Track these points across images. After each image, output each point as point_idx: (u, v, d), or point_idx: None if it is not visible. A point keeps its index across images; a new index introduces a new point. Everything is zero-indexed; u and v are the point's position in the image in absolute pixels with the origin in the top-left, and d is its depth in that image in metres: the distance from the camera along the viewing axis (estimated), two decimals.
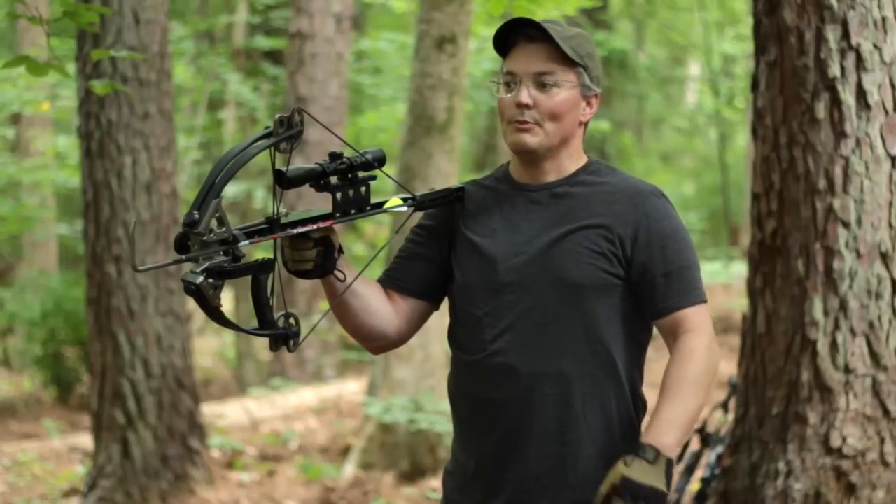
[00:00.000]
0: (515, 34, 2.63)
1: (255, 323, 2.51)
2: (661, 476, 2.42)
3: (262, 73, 13.49)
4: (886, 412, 4.20)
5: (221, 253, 2.33)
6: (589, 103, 2.66)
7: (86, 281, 6.85)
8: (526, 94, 2.59)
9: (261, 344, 12.53)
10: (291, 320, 2.50)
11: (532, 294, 2.59)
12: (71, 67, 6.78)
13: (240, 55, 14.07)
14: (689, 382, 2.52)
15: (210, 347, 14.75)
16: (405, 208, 2.65)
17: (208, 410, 8.31)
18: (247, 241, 2.39)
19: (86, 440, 8.10)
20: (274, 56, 13.70)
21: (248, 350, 12.32)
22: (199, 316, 13.50)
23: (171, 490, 6.70)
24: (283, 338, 2.49)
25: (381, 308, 2.68)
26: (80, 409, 10.79)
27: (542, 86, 2.60)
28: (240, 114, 13.93)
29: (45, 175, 12.86)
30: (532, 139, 2.61)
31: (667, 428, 2.48)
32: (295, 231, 2.47)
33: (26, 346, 12.12)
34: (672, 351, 2.59)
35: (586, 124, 2.70)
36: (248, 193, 12.77)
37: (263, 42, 13.43)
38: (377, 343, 2.73)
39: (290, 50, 11.12)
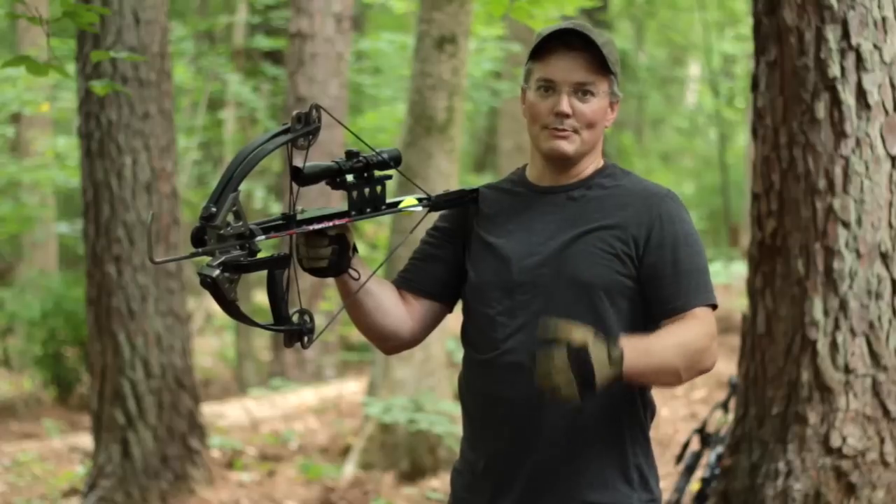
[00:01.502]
0: (553, 40, 2.63)
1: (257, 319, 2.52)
2: (602, 373, 2.35)
3: (262, 73, 13.49)
4: (886, 412, 4.20)
5: (238, 247, 2.33)
6: (612, 108, 2.68)
7: (86, 281, 6.85)
8: (566, 104, 2.60)
9: (261, 344, 12.54)
10: (306, 316, 2.50)
11: (545, 294, 2.59)
12: (71, 67, 6.78)
13: (240, 55, 14.07)
14: (680, 339, 2.50)
15: (210, 347, 14.74)
16: (420, 208, 2.65)
17: (208, 410, 8.30)
18: (263, 236, 2.38)
19: (86, 440, 8.10)
20: (274, 56, 13.70)
21: (248, 350, 12.32)
22: (199, 316, 13.52)
23: (171, 490, 6.70)
24: (298, 334, 2.49)
25: (394, 308, 2.68)
26: (80, 409, 10.79)
27: (581, 94, 2.61)
28: (240, 114, 13.93)
29: (45, 175, 12.85)
30: (569, 146, 2.63)
31: (643, 351, 2.44)
32: (311, 228, 2.47)
33: (26, 346, 12.12)
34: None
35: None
36: (248, 193, 12.78)
37: (263, 42, 13.43)
38: (390, 343, 2.73)
39: (290, 50, 11.12)
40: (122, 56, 5.70)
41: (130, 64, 6.51)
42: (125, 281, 6.65)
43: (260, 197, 12.93)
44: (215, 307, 2.42)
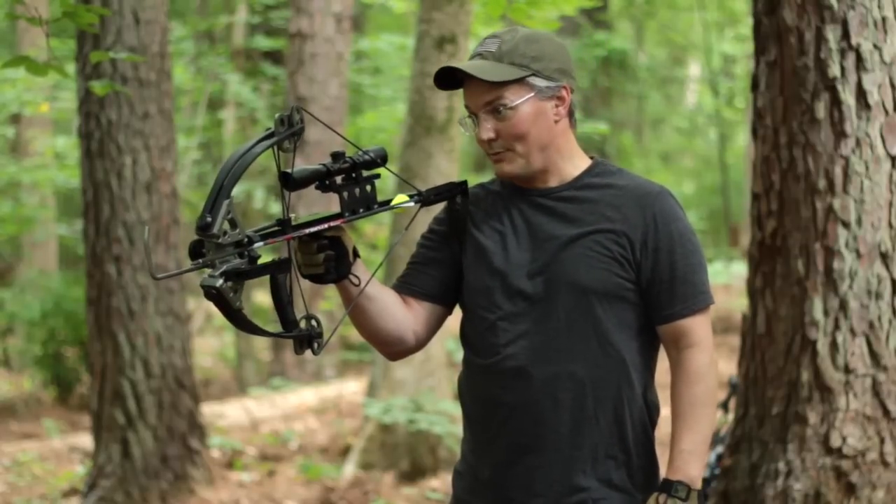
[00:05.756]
0: (452, 75, 2.62)
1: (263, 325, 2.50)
2: None
3: (262, 73, 13.49)
4: (886, 412, 4.20)
5: (237, 255, 2.32)
6: (560, 99, 2.62)
7: (86, 281, 6.85)
8: (486, 130, 2.59)
9: (261, 344, 12.53)
10: (314, 322, 2.48)
11: (545, 299, 2.59)
12: (71, 68, 6.78)
13: (240, 55, 14.07)
14: (700, 406, 2.57)
15: (210, 347, 14.73)
16: (412, 204, 2.64)
17: (208, 410, 8.30)
18: (261, 242, 2.37)
19: (86, 440, 8.10)
20: (274, 56, 13.70)
21: (248, 350, 12.31)
22: (199, 316, 13.51)
23: (171, 490, 6.69)
24: (308, 339, 2.47)
25: (398, 313, 2.66)
26: (80, 409, 10.79)
27: (496, 112, 2.58)
28: (240, 114, 13.93)
29: (45, 175, 12.85)
30: (510, 166, 2.62)
31: (690, 459, 2.54)
32: (307, 231, 2.46)
33: (26, 346, 12.11)
34: (676, 367, 2.61)
35: (572, 116, 2.66)
36: (248, 194, 12.77)
37: (263, 42, 13.43)
38: (395, 348, 2.71)
39: (290, 50, 11.12)
40: (122, 56, 5.70)
41: (130, 64, 6.50)
42: (125, 281, 6.65)
43: (260, 197, 12.92)
44: (215, 307, 2.39)
